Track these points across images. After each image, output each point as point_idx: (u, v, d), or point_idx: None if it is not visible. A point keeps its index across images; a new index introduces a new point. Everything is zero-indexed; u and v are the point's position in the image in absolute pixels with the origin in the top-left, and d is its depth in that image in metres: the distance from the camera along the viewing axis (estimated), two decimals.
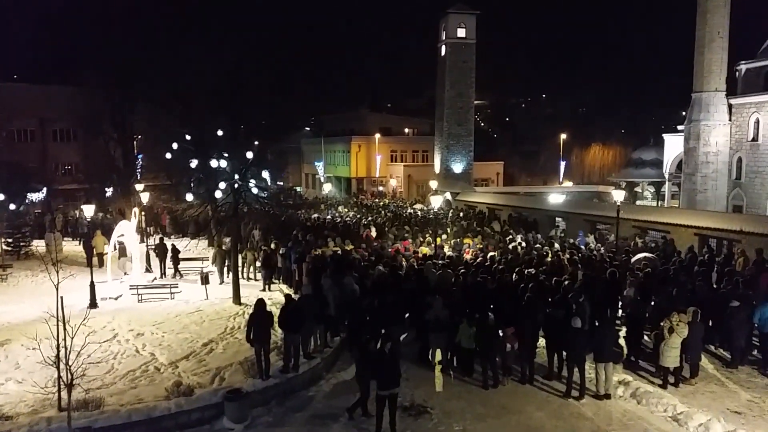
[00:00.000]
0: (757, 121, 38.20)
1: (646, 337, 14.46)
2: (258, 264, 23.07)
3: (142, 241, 26.79)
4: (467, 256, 22.83)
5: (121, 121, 47.80)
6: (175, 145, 24.56)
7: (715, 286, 16.07)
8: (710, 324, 14.83)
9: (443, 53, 52.50)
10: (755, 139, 38.37)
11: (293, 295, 15.55)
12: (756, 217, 30.41)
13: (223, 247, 23.07)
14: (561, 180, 64.11)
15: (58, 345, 9.63)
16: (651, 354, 13.60)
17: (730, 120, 39.58)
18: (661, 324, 12.53)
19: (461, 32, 51.41)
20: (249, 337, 12.73)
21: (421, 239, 26.72)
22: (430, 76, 56.42)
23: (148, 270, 24.00)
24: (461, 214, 36.06)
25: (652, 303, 14.62)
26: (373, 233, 28.61)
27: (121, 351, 14.59)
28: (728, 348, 14.11)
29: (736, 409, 11.40)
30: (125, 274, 22.28)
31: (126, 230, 22.66)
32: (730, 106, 39.55)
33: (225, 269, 22.09)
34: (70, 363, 9.42)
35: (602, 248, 24.12)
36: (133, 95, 44.91)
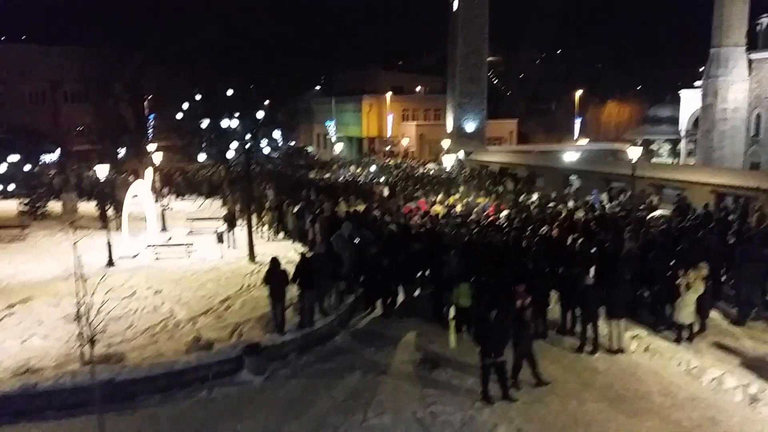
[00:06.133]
0: None
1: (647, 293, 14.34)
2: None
3: (156, 201, 26.96)
4: (489, 212, 22.78)
5: (132, 82, 47.69)
6: (185, 105, 24.53)
7: (730, 242, 15.95)
8: (723, 280, 14.83)
9: (455, 8, 51.32)
10: None
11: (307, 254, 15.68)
12: None
13: (233, 206, 23.10)
14: (576, 138, 63.36)
15: (78, 302, 9.80)
16: (654, 310, 13.66)
17: (749, 75, 38.68)
18: (678, 281, 12.52)
19: None
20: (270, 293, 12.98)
21: (434, 198, 26.70)
22: (442, 33, 55.31)
23: (164, 230, 24.22)
24: (474, 174, 35.86)
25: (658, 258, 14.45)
26: (386, 193, 28.61)
27: (140, 307, 14.84)
28: (736, 304, 14.04)
29: (750, 364, 11.44)
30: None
31: (140, 190, 22.80)
32: (749, 62, 38.59)
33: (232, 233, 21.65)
34: (90, 319, 9.61)
35: (617, 206, 23.98)
36: (144, 56, 44.70)
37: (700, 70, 43.07)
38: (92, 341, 9.78)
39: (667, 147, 51.68)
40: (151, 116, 51.46)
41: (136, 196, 22.51)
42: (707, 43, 39.43)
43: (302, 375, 11.76)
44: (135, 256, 20.01)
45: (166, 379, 10.99)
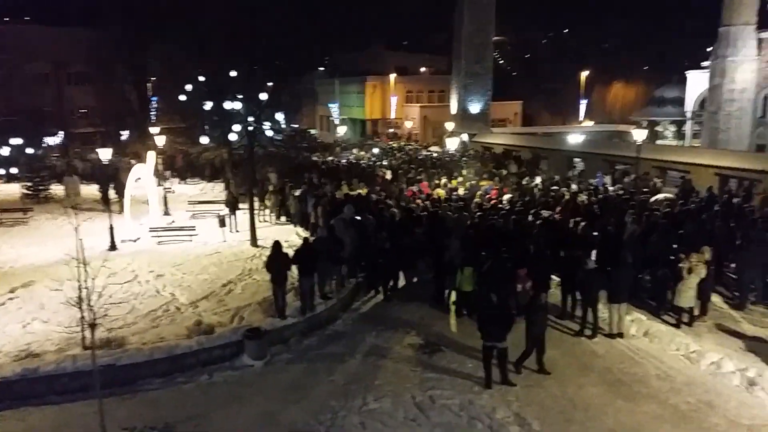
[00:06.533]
0: None
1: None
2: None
3: (159, 184, 26.98)
4: (491, 196, 22.68)
5: (135, 64, 47.44)
6: (189, 87, 24.40)
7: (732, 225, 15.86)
8: (725, 263, 14.76)
9: None
10: None
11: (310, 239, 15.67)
12: None
13: (236, 190, 23.10)
14: (581, 119, 62.88)
15: (80, 286, 9.85)
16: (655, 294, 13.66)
17: (758, 55, 38.12)
18: (680, 265, 12.48)
19: None
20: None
21: (437, 182, 26.59)
22: (448, 11, 54.56)
23: (166, 213, 24.26)
24: (477, 156, 35.69)
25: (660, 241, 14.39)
26: (388, 176, 28.51)
27: (142, 292, 14.93)
28: (737, 288, 13.97)
29: (748, 348, 11.45)
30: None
31: (143, 173, 22.80)
32: (759, 41, 37.99)
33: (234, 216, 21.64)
34: (92, 303, 9.66)
35: (620, 189, 23.84)
36: (147, 37, 44.43)
37: (708, 50, 42.50)
38: (93, 325, 9.84)
39: (672, 129, 51.27)
40: (155, 99, 51.30)
41: (138, 179, 22.52)
42: (716, 22, 38.82)
43: (303, 359, 11.83)
44: (137, 240, 20.07)
45: (167, 364, 11.08)
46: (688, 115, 48.12)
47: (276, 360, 11.75)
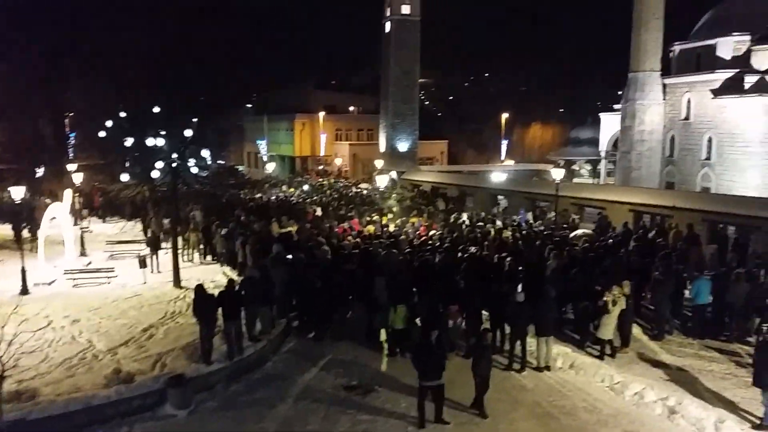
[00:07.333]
0: (689, 101, 39.76)
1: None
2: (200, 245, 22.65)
3: (75, 223, 25.76)
4: (420, 233, 22.98)
5: (51, 97, 45.60)
6: (109, 123, 23.61)
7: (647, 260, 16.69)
8: (642, 296, 15.46)
9: (388, 30, 52.09)
10: (687, 117, 39.97)
11: (236, 278, 15.28)
12: (687, 193, 31.80)
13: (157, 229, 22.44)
14: (503, 158, 65.18)
15: None
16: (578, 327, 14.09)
17: (664, 99, 41.02)
18: (605, 298, 12.94)
19: (406, 9, 51.03)
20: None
21: (368, 218, 26.72)
22: (375, 52, 55.91)
23: (83, 254, 23.11)
24: (406, 194, 36.17)
25: (581, 275, 14.95)
26: (318, 213, 28.43)
27: (56, 338, 14.00)
28: (654, 319, 14.55)
29: (668, 377, 11.93)
30: None
31: (58, 212, 21.73)
32: (664, 86, 40.95)
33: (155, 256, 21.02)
34: (0, 353, 8.98)
35: (541, 225, 24.71)
36: (65, 70, 42.92)
37: (619, 93, 45.34)
38: (1, 377, 9.18)
39: (588, 167, 53.96)
40: (73, 134, 49.36)
41: (53, 218, 21.44)
42: (626, 68, 41.59)
43: (230, 406, 11.36)
44: (51, 283, 18.94)
45: (84, 416, 10.35)
46: (603, 154, 50.89)
47: (201, 408, 11.21)
